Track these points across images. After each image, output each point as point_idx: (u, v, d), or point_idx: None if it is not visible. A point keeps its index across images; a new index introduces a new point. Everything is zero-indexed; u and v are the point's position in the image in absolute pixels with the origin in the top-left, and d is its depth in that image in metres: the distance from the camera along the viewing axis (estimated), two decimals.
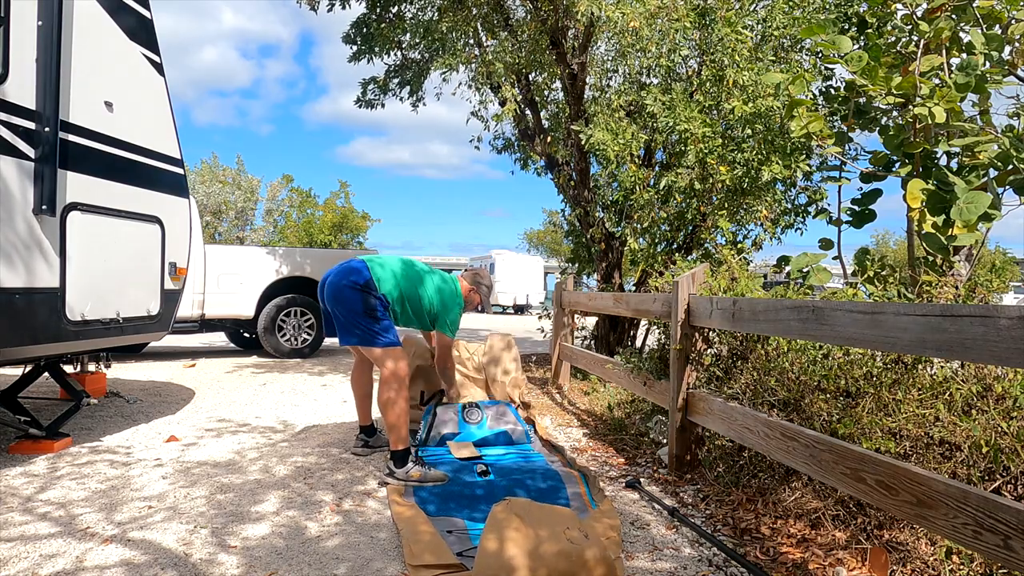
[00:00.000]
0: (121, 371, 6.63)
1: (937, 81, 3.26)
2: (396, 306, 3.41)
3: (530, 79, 7.48)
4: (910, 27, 3.60)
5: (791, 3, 5.06)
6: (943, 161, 3.51)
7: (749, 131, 4.93)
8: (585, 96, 6.79)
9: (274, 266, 8.02)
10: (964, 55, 3.35)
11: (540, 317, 7.60)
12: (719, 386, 3.27)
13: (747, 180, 4.92)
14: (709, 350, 3.45)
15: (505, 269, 27.14)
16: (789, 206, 5.43)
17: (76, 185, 3.52)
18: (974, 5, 3.34)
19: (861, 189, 3.78)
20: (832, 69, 4.50)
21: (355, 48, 7.73)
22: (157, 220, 4.25)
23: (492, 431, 3.98)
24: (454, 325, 3.61)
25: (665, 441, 3.70)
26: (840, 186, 3.97)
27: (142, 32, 4.15)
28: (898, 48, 3.70)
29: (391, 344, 3.25)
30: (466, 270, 4.01)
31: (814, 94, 4.11)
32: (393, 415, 3.19)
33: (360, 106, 8.29)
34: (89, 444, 3.78)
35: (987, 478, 2.20)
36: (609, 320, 6.90)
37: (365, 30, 7.59)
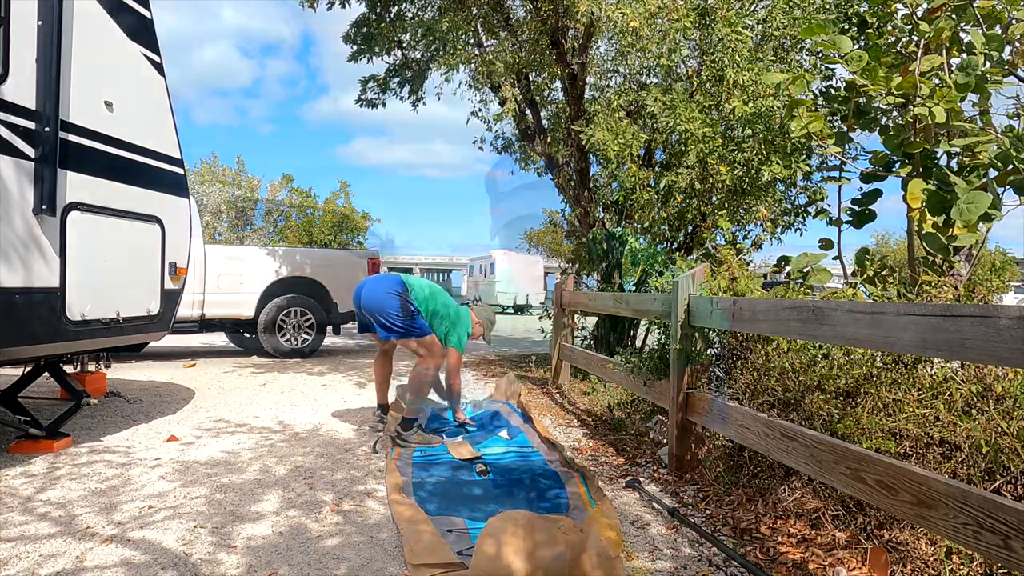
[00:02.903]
0: (121, 371, 6.63)
1: (937, 81, 3.25)
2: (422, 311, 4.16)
3: (530, 79, 7.48)
4: (910, 27, 3.60)
5: (791, 3, 5.06)
6: (943, 161, 3.50)
7: (749, 131, 4.93)
8: (585, 96, 6.79)
9: (274, 266, 8.02)
10: (964, 55, 3.34)
11: (540, 317, 7.59)
12: (719, 386, 3.26)
13: (747, 180, 4.92)
14: (709, 350, 3.45)
15: (505, 269, 27.08)
16: (789, 206, 5.43)
17: (76, 185, 3.52)
18: (974, 5, 3.33)
19: (861, 189, 3.77)
20: (832, 69, 4.50)
21: (355, 48, 7.73)
22: (157, 220, 4.25)
23: (488, 409, 4.70)
24: (461, 342, 4.32)
25: (665, 441, 3.70)
26: (840, 186, 3.96)
27: (142, 32, 4.14)
28: (898, 48, 3.70)
29: (425, 334, 4.04)
30: (475, 301, 4.69)
31: (814, 94, 4.10)
32: (418, 389, 3.99)
33: (361, 105, 8.29)
34: (89, 444, 3.78)
35: (987, 478, 2.19)
36: (609, 320, 6.88)
37: (365, 29, 7.59)
